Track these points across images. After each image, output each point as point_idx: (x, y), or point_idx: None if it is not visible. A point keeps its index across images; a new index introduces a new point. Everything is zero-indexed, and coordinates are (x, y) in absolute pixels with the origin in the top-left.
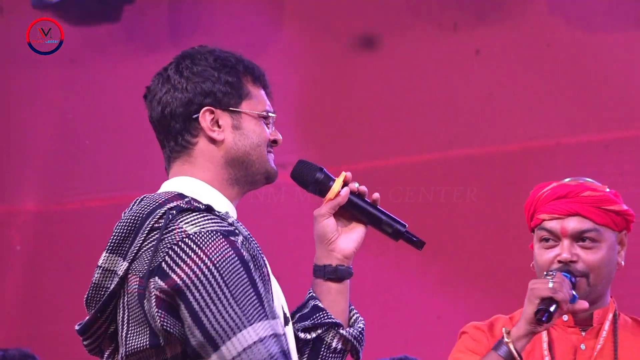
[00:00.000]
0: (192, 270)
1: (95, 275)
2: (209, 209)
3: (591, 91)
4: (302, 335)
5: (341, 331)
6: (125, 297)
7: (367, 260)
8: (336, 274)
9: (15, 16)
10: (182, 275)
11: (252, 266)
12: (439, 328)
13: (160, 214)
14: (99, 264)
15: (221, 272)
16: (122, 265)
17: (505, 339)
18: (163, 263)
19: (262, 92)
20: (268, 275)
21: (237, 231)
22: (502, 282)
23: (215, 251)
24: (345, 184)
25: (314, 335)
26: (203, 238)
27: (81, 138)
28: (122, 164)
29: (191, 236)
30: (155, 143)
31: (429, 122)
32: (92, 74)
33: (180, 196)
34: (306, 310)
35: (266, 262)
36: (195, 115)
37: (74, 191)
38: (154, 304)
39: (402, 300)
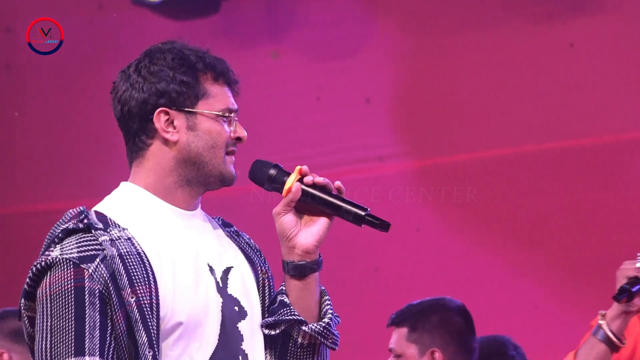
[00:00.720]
0: (38, 292)
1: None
2: (88, 228)
3: None
4: (266, 331)
5: (303, 327)
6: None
7: (465, 251)
8: (296, 271)
9: (114, 12)
10: (35, 295)
11: (87, 299)
12: (535, 318)
13: (52, 236)
14: None
15: (52, 304)
16: None
17: (600, 322)
18: (26, 285)
19: (225, 89)
20: (149, 282)
21: (98, 252)
22: (599, 273)
23: (57, 282)
24: (302, 177)
25: (278, 331)
26: (55, 266)
27: None
28: None
29: (49, 261)
30: (253, 133)
31: (523, 115)
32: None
33: (79, 214)
34: (274, 306)
35: (149, 268)
36: (151, 116)
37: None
38: (27, 323)
39: (499, 289)
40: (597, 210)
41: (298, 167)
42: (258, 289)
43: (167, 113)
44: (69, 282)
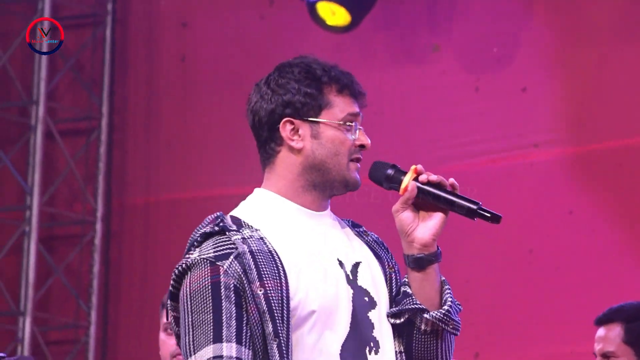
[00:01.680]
0: (180, 293)
1: None
2: (223, 230)
3: None
4: (392, 320)
5: (425, 315)
6: None
7: (618, 235)
8: (416, 263)
9: (284, 8)
10: (179, 296)
11: (223, 292)
12: None
13: (192, 240)
14: None
15: (192, 301)
16: None
17: None
18: (170, 287)
19: (349, 99)
20: (279, 277)
21: (232, 251)
22: None
23: (196, 280)
24: (418, 176)
25: (402, 319)
26: (194, 266)
27: None
28: (379, 142)
29: (188, 263)
30: (415, 123)
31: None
32: (355, 62)
33: (215, 219)
34: (398, 297)
35: (280, 264)
36: (277, 125)
37: None
38: (174, 323)
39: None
40: None
41: (413, 167)
42: (386, 281)
43: (292, 122)
44: (206, 279)
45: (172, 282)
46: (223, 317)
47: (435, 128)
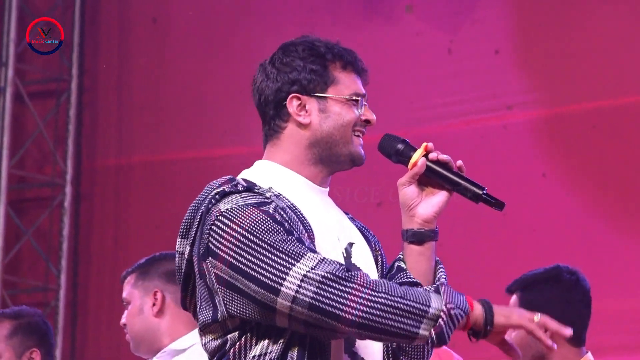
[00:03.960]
0: (232, 242)
1: (176, 259)
2: (248, 189)
3: None
4: None
5: None
6: (195, 277)
7: (589, 195)
8: (416, 237)
9: None
10: (226, 250)
11: (286, 224)
12: None
13: (208, 200)
14: (176, 249)
15: (256, 233)
16: (187, 248)
17: None
18: (209, 244)
19: (354, 76)
20: (309, 235)
21: (270, 201)
22: None
23: (245, 219)
24: (427, 153)
25: None
26: (235, 212)
27: None
28: None
29: (224, 213)
30: (388, 83)
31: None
32: (328, 24)
33: (230, 180)
34: (392, 272)
35: (313, 232)
36: (284, 102)
37: None
38: (215, 280)
39: (621, 235)
40: None
41: (424, 144)
42: (375, 264)
43: (299, 98)
44: (259, 214)
45: (209, 236)
46: (300, 236)
47: (409, 90)
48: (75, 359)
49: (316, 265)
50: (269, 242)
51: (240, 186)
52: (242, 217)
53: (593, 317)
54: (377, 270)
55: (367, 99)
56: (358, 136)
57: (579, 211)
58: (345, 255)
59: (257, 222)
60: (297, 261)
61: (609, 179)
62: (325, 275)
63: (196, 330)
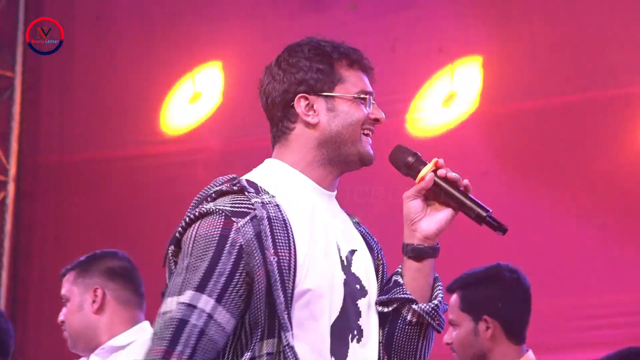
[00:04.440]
0: (185, 236)
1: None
2: (241, 190)
3: None
4: (379, 308)
5: (413, 306)
6: None
7: (526, 193)
8: (414, 253)
9: None
10: (182, 239)
11: (227, 248)
12: (597, 258)
13: (201, 197)
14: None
15: (195, 244)
16: None
17: None
18: (176, 232)
19: (360, 74)
20: (289, 248)
21: (249, 211)
22: None
23: (205, 227)
24: (437, 169)
25: (390, 308)
26: (208, 215)
27: (248, 78)
28: None
29: (202, 211)
30: None
31: (589, 63)
32: (272, 22)
33: (231, 180)
34: (388, 285)
35: (294, 244)
36: (292, 103)
37: (255, 130)
38: (173, 267)
39: (560, 230)
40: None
41: (435, 159)
42: (376, 272)
43: (306, 98)
44: (216, 229)
45: (179, 228)
46: (216, 271)
47: None
48: (15, 357)
49: (171, 308)
50: (188, 263)
51: (236, 187)
52: (206, 224)
53: (536, 316)
54: (377, 279)
55: (375, 97)
56: (367, 135)
57: (522, 209)
58: (345, 263)
59: (206, 236)
60: (180, 293)
61: (550, 175)
62: (170, 320)
63: (135, 327)
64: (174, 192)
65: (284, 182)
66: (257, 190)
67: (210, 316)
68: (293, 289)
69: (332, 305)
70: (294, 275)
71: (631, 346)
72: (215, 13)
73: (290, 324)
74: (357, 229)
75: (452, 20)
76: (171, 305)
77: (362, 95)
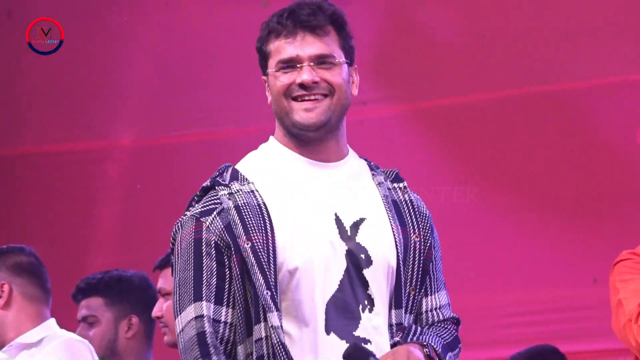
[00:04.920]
0: (173, 251)
1: None
2: (213, 185)
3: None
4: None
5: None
6: None
7: (447, 193)
8: None
9: None
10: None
11: (204, 249)
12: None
13: (194, 196)
14: None
15: (179, 260)
16: None
17: None
18: (170, 245)
19: (282, 43)
20: (265, 231)
21: (216, 206)
22: (578, 213)
23: (183, 237)
24: None
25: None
26: (183, 225)
27: (177, 76)
28: (217, 101)
29: (180, 221)
30: (245, 79)
31: (503, 61)
32: (188, 15)
33: (218, 171)
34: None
35: (267, 217)
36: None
37: (169, 127)
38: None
39: (479, 227)
40: (575, 153)
41: None
42: (397, 244)
43: (264, 80)
44: (191, 236)
45: (171, 240)
46: (204, 275)
47: (262, 87)
48: None
49: (189, 322)
50: (179, 279)
51: (211, 181)
52: (183, 233)
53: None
54: (410, 258)
55: (311, 56)
56: (301, 100)
57: (441, 205)
58: (348, 233)
59: (185, 247)
60: (180, 312)
61: (468, 172)
62: (189, 339)
63: (45, 324)
64: (86, 189)
65: (271, 162)
66: (235, 178)
67: (216, 320)
68: (276, 271)
69: (327, 279)
70: (274, 257)
71: (544, 344)
72: (131, 8)
73: (277, 305)
74: (392, 194)
75: (365, 20)
76: (182, 324)
77: (280, 66)
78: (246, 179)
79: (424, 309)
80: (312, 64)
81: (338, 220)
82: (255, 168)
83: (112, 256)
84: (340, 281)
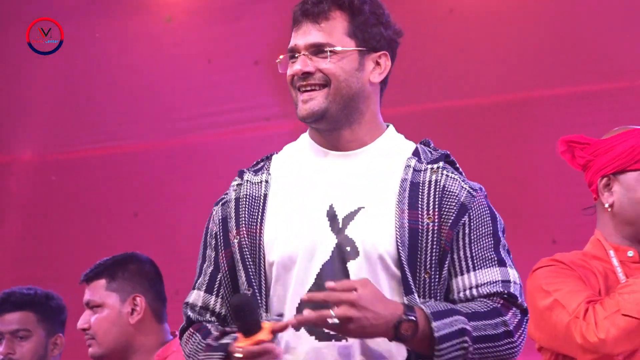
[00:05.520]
0: None
1: None
2: (240, 174)
3: (559, 46)
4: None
5: None
6: None
7: None
8: None
9: None
10: None
11: (207, 239)
12: None
13: None
14: None
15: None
16: None
17: None
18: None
19: (295, 33)
20: (256, 225)
21: (225, 196)
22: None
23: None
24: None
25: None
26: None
27: (80, 90)
28: (118, 116)
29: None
30: (148, 94)
31: (405, 76)
32: (91, 30)
33: (261, 158)
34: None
35: (262, 211)
36: None
37: (72, 141)
38: None
39: None
40: (515, 164)
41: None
42: (414, 234)
43: None
44: (207, 222)
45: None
46: (205, 264)
47: (169, 100)
48: None
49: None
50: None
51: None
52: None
53: None
54: (397, 239)
55: (306, 46)
56: (302, 91)
57: None
58: (340, 225)
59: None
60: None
61: None
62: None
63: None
64: None
65: (296, 150)
66: (257, 168)
67: (204, 308)
68: (260, 266)
69: (305, 274)
70: (260, 253)
71: None
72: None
73: (263, 299)
74: (414, 179)
75: (269, 34)
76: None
77: (288, 56)
78: (267, 169)
79: (455, 289)
80: (306, 53)
81: (331, 213)
82: (281, 158)
83: (12, 271)
84: (318, 275)
